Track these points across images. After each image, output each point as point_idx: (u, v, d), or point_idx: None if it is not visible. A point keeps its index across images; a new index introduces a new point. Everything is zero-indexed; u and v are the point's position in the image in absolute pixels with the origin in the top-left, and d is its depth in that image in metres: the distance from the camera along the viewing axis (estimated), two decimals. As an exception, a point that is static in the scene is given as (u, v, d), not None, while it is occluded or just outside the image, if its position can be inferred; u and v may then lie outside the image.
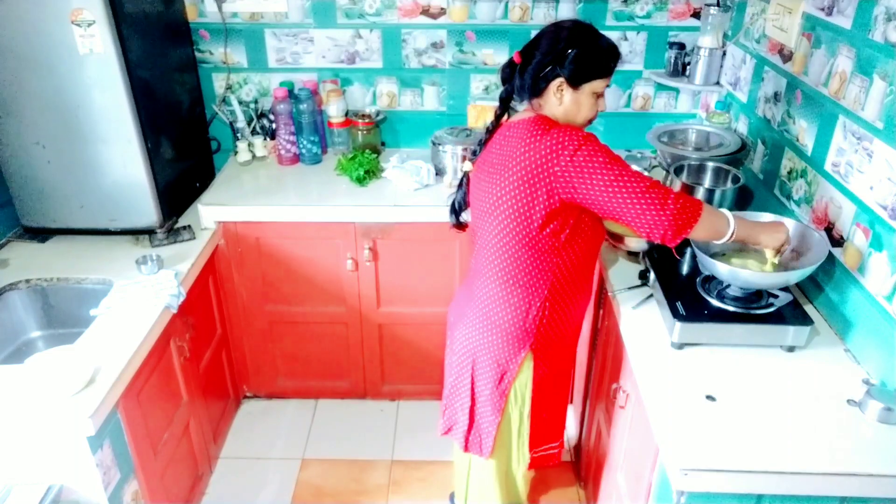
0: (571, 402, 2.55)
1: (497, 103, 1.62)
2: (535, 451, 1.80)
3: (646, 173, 2.28)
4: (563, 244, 1.54)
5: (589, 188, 1.43)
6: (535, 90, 1.52)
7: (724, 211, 1.53)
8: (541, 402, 1.73)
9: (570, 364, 1.84)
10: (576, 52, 1.47)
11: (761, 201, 2.05)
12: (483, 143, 1.64)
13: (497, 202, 1.53)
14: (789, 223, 1.69)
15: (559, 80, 1.49)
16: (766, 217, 1.73)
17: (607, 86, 1.55)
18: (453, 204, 1.80)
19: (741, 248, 1.71)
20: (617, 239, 1.90)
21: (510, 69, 1.56)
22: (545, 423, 1.78)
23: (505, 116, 1.62)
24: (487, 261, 1.63)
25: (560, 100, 1.51)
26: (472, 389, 1.73)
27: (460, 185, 1.78)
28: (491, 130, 1.62)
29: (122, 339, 1.69)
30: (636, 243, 1.87)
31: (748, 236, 1.57)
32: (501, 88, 1.61)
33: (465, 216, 1.79)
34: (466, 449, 1.80)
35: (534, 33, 1.56)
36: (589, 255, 1.62)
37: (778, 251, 1.60)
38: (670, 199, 1.43)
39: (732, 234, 1.51)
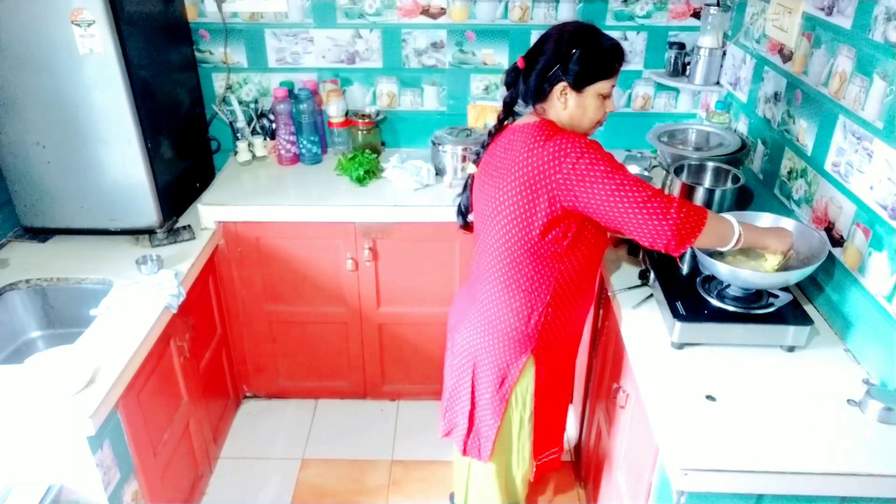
0: (571, 402, 2.55)
1: (500, 105, 1.60)
2: (539, 459, 1.79)
3: (646, 174, 2.31)
4: (565, 251, 1.53)
5: (590, 196, 1.41)
6: (539, 95, 1.51)
7: (729, 217, 1.51)
8: (542, 405, 1.73)
9: (570, 367, 1.84)
10: (578, 53, 1.45)
11: (761, 201, 2.05)
12: (485, 146, 1.63)
13: (499, 207, 1.52)
14: (789, 223, 1.69)
15: (562, 84, 1.47)
16: (766, 218, 1.73)
17: (613, 86, 1.52)
18: (459, 206, 1.79)
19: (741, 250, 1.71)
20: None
21: (515, 73, 1.55)
22: (547, 427, 1.78)
23: (510, 120, 1.60)
24: (489, 264, 1.61)
25: (564, 104, 1.50)
26: (473, 393, 1.72)
27: (465, 187, 1.77)
28: (493, 134, 1.61)
29: (122, 339, 1.69)
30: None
31: (755, 242, 1.54)
32: (506, 93, 1.59)
33: (473, 217, 1.79)
34: (465, 453, 1.79)
35: (534, 33, 1.56)
36: (592, 262, 1.61)
37: (785, 255, 1.58)
38: (673, 209, 1.40)
39: (738, 239, 1.49)
